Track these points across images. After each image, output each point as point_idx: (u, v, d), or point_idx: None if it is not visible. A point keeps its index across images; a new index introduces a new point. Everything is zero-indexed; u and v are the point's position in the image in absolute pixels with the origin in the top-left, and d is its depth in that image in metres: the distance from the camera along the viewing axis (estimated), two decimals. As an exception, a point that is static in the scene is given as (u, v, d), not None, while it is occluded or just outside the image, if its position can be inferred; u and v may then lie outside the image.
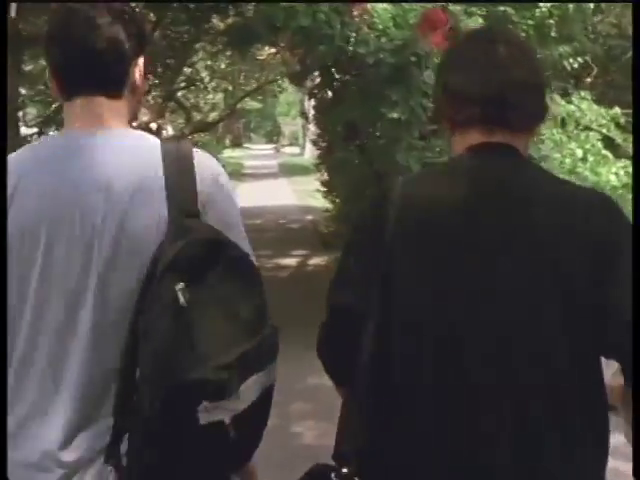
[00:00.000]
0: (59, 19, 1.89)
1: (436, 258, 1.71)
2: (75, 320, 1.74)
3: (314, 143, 16.31)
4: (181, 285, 1.62)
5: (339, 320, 1.84)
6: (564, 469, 1.64)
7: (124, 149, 1.81)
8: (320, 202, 16.66)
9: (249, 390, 1.69)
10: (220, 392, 1.64)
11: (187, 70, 17.79)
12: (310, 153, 41.32)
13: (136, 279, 1.72)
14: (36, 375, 1.75)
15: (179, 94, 18.77)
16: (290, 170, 35.98)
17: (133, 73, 1.90)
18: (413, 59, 6.90)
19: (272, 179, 31.45)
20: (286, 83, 32.86)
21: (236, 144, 57.95)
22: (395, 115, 6.79)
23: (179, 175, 1.78)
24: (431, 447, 1.66)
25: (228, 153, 41.30)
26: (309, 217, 18.91)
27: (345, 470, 1.75)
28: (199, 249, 1.69)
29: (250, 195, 23.89)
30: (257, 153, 55.91)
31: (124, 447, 1.68)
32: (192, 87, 19.04)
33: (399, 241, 1.72)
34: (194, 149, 1.85)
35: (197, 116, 20.95)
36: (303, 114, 17.19)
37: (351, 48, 7.12)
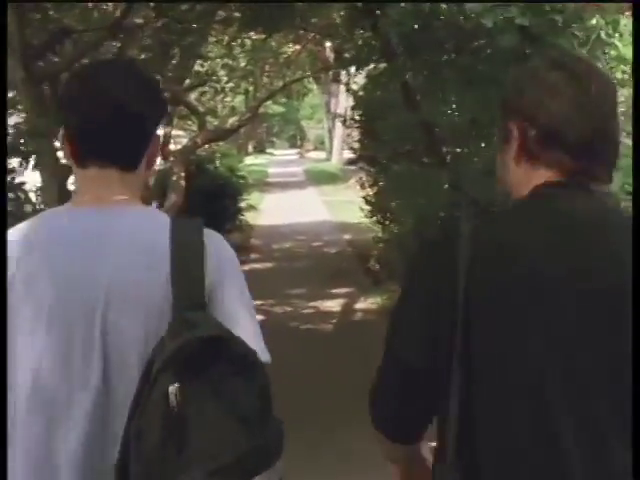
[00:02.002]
0: (83, 84, 1.84)
1: (523, 315, 1.60)
2: (71, 413, 1.70)
3: (354, 151, 13.58)
4: (175, 386, 1.57)
5: (408, 382, 1.69)
6: None
7: (131, 230, 1.77)
8: (356, 215, 14.05)
9: None
10: None
11: (199, 69, 15.09)
12: (337, 158, 39.32)
13: (136, 372, 1.68)
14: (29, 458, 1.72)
15: (192, 96, 16.11)
16: (317, 177, 34.48)
17: (150, 147, 1.86)
18: (557, 18, 4.07)
19: (299, 189, 29.72)
20: (312, 84, 30.58)
21: (259, 150, 55.76)
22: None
23: (187, 262, 1.72)
24: None
25: (251, 160, 39.18)
26: (346, 237, 16.36)
27: None
28: (200, 347, 1.61)
29: (276, 210, 21.79)
30: (281, 159, 54.57)
31: None
32: (206, 88, 16.32)
33: (476, 293, 1.60)
34: (205, 229, 1.79)
35: (214, 121, 18.29)
36: (340, 117, 14.43)
37: (445, 6, 4.35)
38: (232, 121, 15.81)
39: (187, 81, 14.28)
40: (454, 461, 1.62)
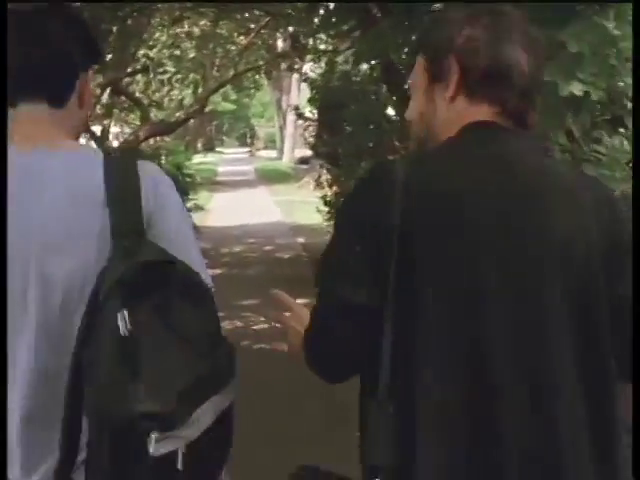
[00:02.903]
0: (9, 23, 1.88)
1: (460, 257, 1.60)
2: (14, 347, 1.73)
3: (312, 147, 12.44)
4: (124, 313, 1.58)
5: (347, 319, 1.65)
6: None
7: (62, 166, 1.78)
8: (310, 217, 12.93)
9: (204, 415, 1.64)
10: (169, 422, 1.59)
11: (142, 57, 13.87)
12: (289, 157, 38.43)
13: (75, 303, 1.71)
14: None
15: (135, 87, 14.86)
16: (268, 177, 33.57)
17: (81, 85, 1.88)
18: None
19: (249, 188, 28.64)
20: (263, 79, 29.42)
21: (208, 148, 54.70)
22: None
23: (122, 191, 1.75)
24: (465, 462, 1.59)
25: (199, 158, 38.06)
26: (301, 240, 15.17)
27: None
28: (143, 272, 1.63)
29: (226, 210, 20.61)
30: (231, 157, 53.64)
31: None
32: (151, 77, 15.07)
33: (413, 236, 1.59)
34: (139, 160, 1.83)
35: (159, 115, 17.04)
36: (295, 110, 13.30)
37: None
38: (179, 114, 14.57)
39: (129, 69, 13.05)
40: (385, 399, 1.60)
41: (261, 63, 16.22)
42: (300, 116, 12.65)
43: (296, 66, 15.07)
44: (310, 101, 12.20)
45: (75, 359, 1.64)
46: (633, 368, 1.63)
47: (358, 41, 5.97)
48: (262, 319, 9.00)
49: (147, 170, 1.81)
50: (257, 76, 24.96)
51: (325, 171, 12.32)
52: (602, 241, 1.63)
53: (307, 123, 12.22)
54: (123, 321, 1.56)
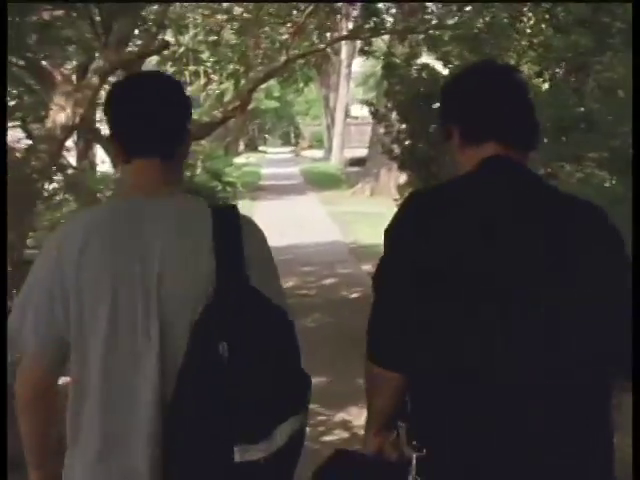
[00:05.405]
0: (125, 87, 2.18)
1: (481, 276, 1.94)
2: (139, 364, 1.99)
3: (399, 143, 9.28)
4: (224, 344, 1.88)
5: (399, 317, 2.00)
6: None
7: (177, 215, 2.07)
8: (374, 234, 9.93)
9: (281, 434, 1.93)
10: (254, 436, 1.91)
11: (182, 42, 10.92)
12: (338, 158, 35.63)
13: (185, 329, 1.97)
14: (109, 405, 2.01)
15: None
16: (317, 180, 30.94)
17: (184, 139, 2.19)
18: None
19: (297, 194, 25.91)
20: (311, 70, 26.52)
21: (251, 148, 51.94)
22: None
23: (227, 240, 2.02)
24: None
25: (241, 159, 35.23)
26: (367, 268, 11.86)
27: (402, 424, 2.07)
28: (243, 308, 1.94)
29: (271, 225, 17.32)
30: (274, 157, 51.32)
31: None
32: (183, 66, 12.11)
33: (438, 262, 1.96)
34: (241, 215, 2.09)
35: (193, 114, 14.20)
36: (370, 104, 10.25)
37: None
38: (216, 112, 11.62)
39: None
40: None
41: (322, 46, 13.18)
42: (375, 114, 9.59)
43: (366, 48, 12.11)
44: (387, 94, 9.20)
45: (179, 380, 1.91)
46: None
47: None
48: (334, 420, 5.94)
49: (247, 223, 2.09)
50: (305, 68, 22.08)
51: (406, 177, 9.27)
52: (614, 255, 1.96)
53: (387, 123, 9.13)
54: (223, 349, 1.86)
